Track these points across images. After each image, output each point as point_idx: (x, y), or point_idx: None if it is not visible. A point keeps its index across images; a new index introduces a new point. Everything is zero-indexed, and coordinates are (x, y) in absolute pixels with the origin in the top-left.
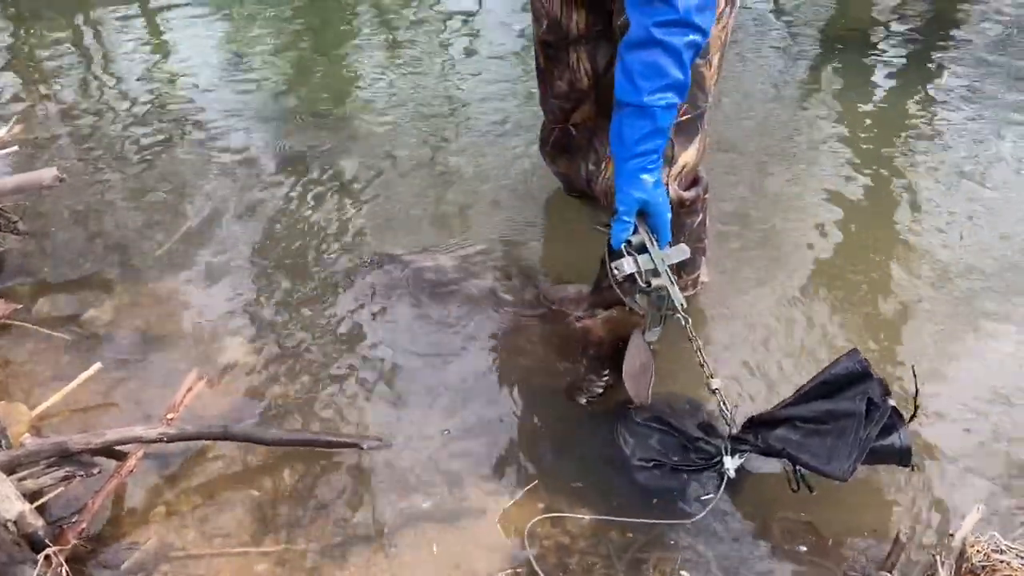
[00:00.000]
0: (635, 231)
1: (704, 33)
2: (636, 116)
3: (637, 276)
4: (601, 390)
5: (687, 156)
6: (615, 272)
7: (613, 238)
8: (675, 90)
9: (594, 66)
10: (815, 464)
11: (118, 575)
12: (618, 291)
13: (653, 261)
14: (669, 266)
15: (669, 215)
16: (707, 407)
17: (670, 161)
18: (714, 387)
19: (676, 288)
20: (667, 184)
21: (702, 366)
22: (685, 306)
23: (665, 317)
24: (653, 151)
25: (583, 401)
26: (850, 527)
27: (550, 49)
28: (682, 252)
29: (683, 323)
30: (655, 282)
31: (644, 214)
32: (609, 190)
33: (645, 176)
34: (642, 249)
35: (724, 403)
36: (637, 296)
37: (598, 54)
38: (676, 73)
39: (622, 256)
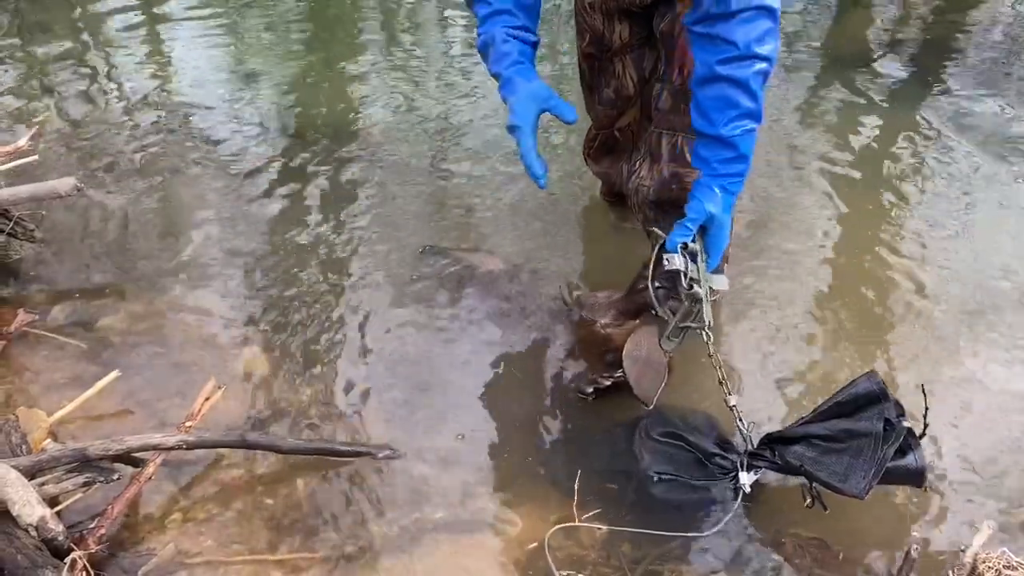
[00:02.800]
0: (693, 240)
1: (770, 61)
2: (716, 145)
3: (682, 275)
4: (609, 382)
5: None
6: (665, 263)
7: (669, 240)
8: (750, 117)
9: (639, 72)
10: (832, 482)
11: None
12: (651, 293)
13: (699, 273)
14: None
15: (728, 241)
16: (722, 422)
17: None
18: (731, 404)
19: (709, 306)
20: None
21: (721, 383)
22: (711, 324)
23: (687, 330)
24: (736, 174)
25: (589, 391)
26: (861, 542)
27: (594, 61)
28: (722, 282)
29: (705, 339)
30: (696, 288)
31: (705, 230)
32: (639, 189)
33: (722, 193)
34: (693, 259)
35: (741, 420)
36: (669, 302)
37: (643, 61)
38: (748, 103)
39: (675, 254)
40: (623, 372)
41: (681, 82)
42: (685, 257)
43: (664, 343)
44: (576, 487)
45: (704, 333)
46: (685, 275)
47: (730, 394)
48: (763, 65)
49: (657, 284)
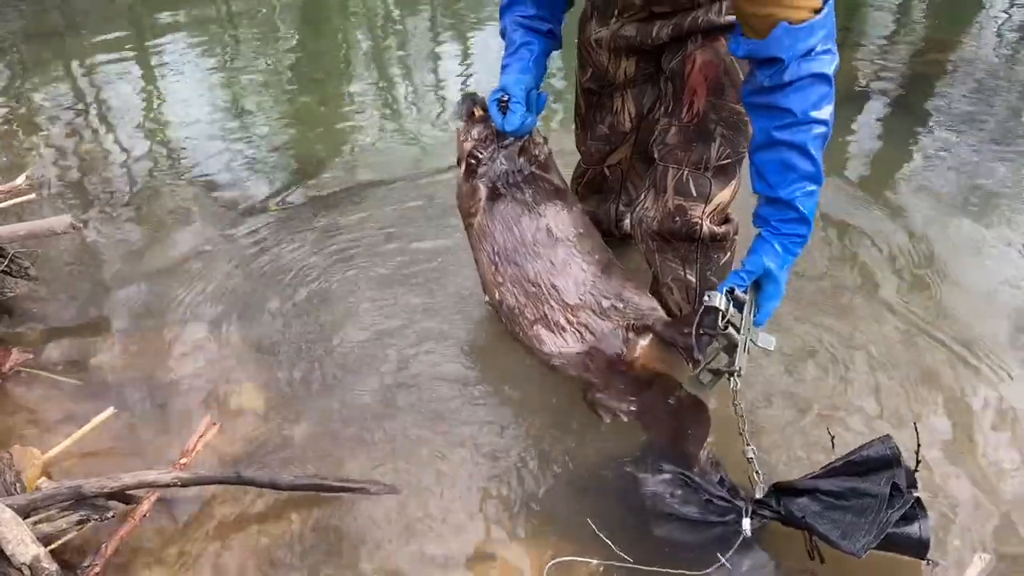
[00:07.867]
0: (745, 291)
1: (827, 124)
2: (777, 206)
3: (720, 314)
4: (626, 419)
5: (722, 196)
6: (705, 299)
7: (722, 283)
8: (809, 180)
9: (639, 108)
10: (831, 537)
11: None
12: (692, 337)
13: (742, 322)
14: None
15: (779, 301)
16: (727, 462)
17: (706, 199)
18: (749, 456)
19: (745, 354)
20: (701, 220)
21: (741, 434)
22: (742, 372)
23: (718, 374)
24: (797, 235)
25: (606, 419)
26: (857, 573)
27: (593, 96)
28: (768, 341)
29: (732, 387)
30: (731, 331)
31: (759, 285)
32: (643, 220)
33: (782, 251)
34: (739, 307)
35: (756, 472)
36: (706, 343)
37: (644, 97)
38: (806, 166)
39: (719, 293)
40: (634, 405)
41: (689, 119)
42: (729, 299)
43: (692, 384)
44: (575, 522)
45: (733, 379)
46: (723, 315)
47: (748, 445)
48: (821, 129)
49: (702, 331)
